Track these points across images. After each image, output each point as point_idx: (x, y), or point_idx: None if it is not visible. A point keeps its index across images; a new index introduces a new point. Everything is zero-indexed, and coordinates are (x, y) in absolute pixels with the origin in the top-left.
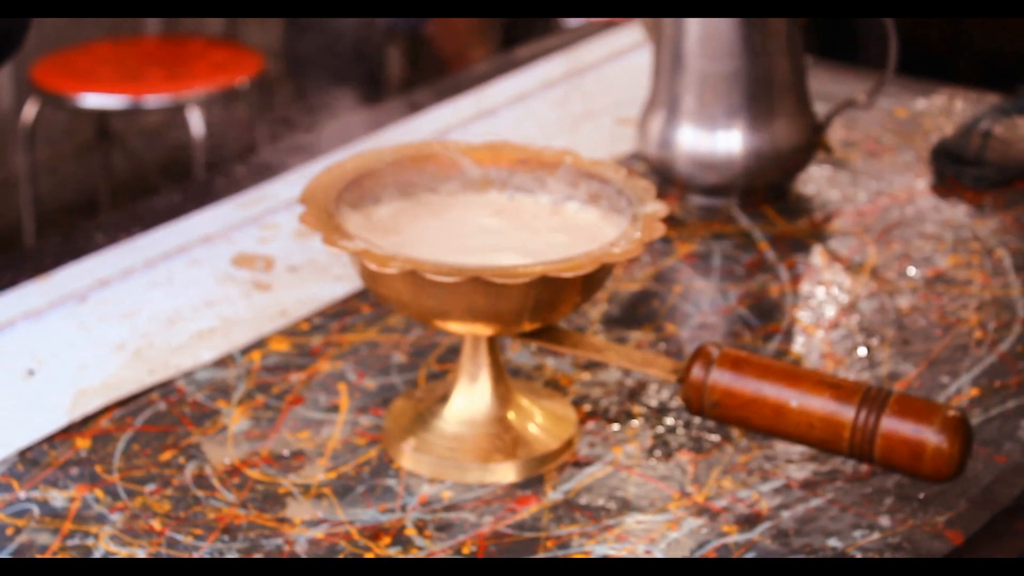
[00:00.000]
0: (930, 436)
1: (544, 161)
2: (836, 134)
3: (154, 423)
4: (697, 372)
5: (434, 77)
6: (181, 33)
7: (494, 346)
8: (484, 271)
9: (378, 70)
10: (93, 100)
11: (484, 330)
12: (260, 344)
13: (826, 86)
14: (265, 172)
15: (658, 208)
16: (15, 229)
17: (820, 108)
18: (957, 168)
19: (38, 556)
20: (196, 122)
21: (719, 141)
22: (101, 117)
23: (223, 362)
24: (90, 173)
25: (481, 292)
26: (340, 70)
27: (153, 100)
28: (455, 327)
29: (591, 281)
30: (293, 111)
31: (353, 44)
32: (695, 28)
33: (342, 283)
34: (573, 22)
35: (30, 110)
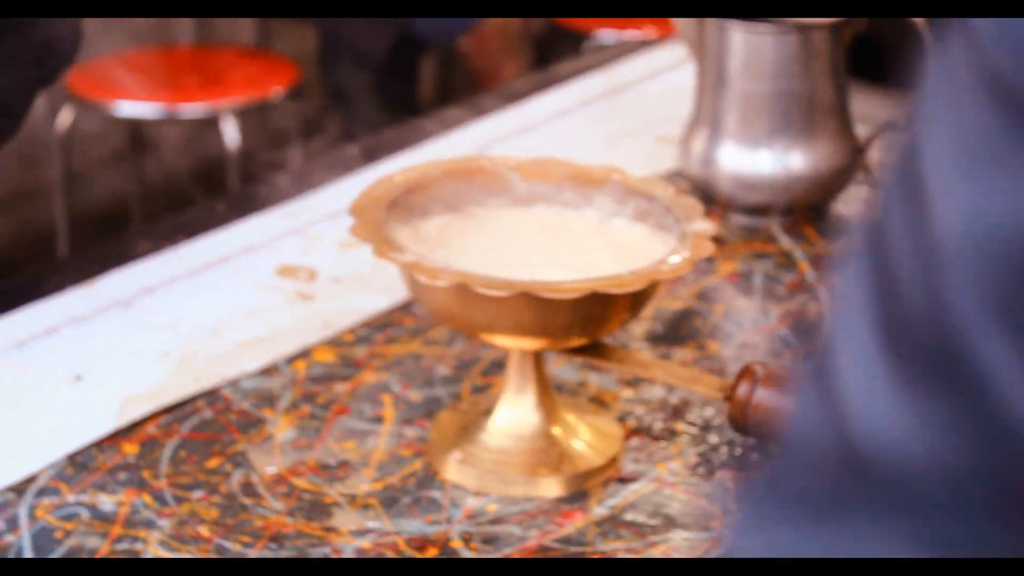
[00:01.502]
0: None
1: (592, 177)
2: (877, 156)
3: (200, 430)
4: (743, 390)
5: (467, 92)
6: (215, 42)
7: (540, 361)
8: (534, 286)
9: (411, 84)
10: (128, 108)
11: (531, 344)
12: (305, 354)
13: (866, 108)
14: (307, 183)
15: (706, 227)
16: (49, 236)
17: (861, 130)
18: None
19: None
20: (231, 132)
21: (761, 160)
22: (134, 125)
23: (268, 371)
24: (123, 181)
25: (530, 307)
26: (373, 82)
27: (188, 109)
28: (503, 341)
29: (639, 298)
30: (327, 123)
31: (386, 56)
32: (739, 48)
33: (385, 295)
34: (607, 39)
35: (65, 118)
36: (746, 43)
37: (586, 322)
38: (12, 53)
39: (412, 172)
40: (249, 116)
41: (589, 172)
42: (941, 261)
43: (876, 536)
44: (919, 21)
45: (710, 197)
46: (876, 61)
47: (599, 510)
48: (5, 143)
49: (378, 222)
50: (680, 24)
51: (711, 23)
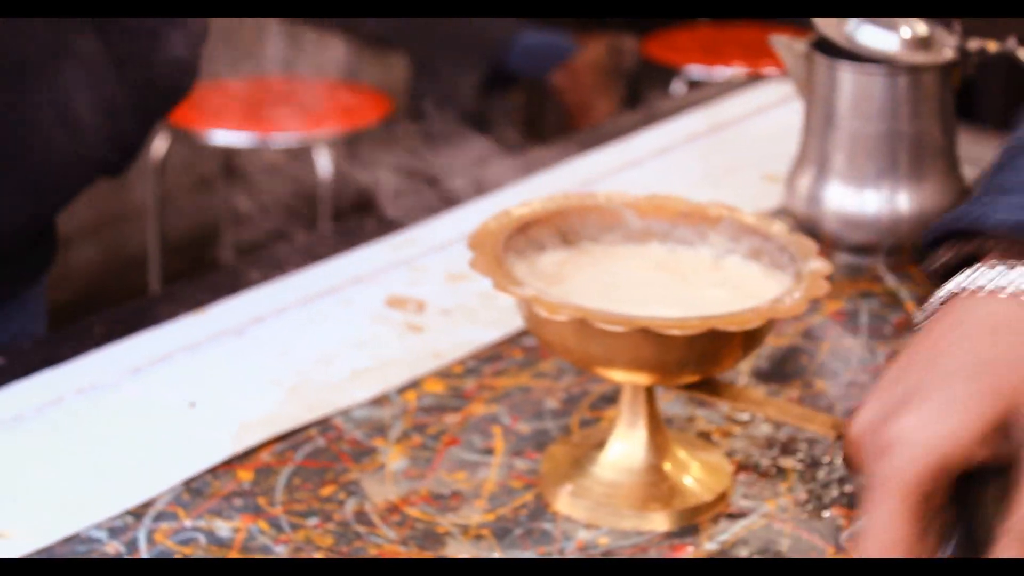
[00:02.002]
0: None
1: (706, 215)
2: None
3: (314, 458)
4: None
5: (558, 127)
6: (306, 72)
7: (652, 396)
8: (652, 322)
9: (502, 118)
10: (221, 137)
11: (645, 379)
12: (415, 385)
13: (973, 150)
14: (413, 215)
15: (821, 266)
16: (139, 262)
17: (968, 172)
18: None
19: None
20: (323, 162)
21: (868, 200)
22: (226, 153)
23: (379, 401)
24: (213, 208)
25: (647, 342)
26: (463, 116)
27: (281, 139)
28: (618, 375)
29: (754, 336)
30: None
31: (476, 90)
32: (848, 87)
33: (494, 328)
34: (697, 74)
35: (160, 145)
36: (855, 83)
37: (701, 359)
38: (138, 83)
39: (528, 207)
40: (340, 146)
41: (703, 209)
42: None
43: None
44: None
45: (815, 235)
46: (984, 104)
47: (709, 545)
48: (120, 175)
49: (496, 256)
50: (788, 62)
51: (820, 62)
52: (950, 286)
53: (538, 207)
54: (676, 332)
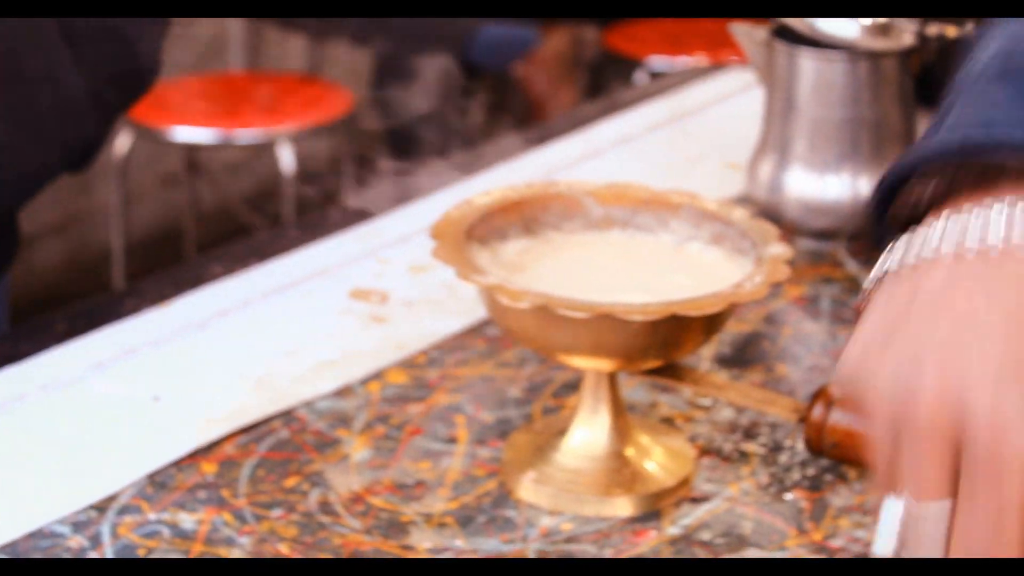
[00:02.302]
0: None
1: (667, 202)
2: None
3: (278, 450)
4: (818, 412)
5: (521, 118)
6: (265, 68)
7: (614, 382)
8: (614, 308)
9: (464, 110)
10: (185, 133)
11: (608, 366)
12: (378, 376)
13: None
14: (375, 208)
15: (782, 251)
16: (103, 259)
17: None
18: None
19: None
20: (287, 157)
21: (829, 186)
22: (189, 151)
23: (343, 393)
24: (178, 204)
25: (609, 328)
26: (426, 109)
27: (244, 135)
28: (580, 362)
29: (715, 321)
30: (383, 149)
31: (438, 83)
32: (808, 74)
33: (456, 318)
34: (659, 66)
35: (123, 142)
36: (815, 69)
37: (663, 344)
38: (97, 80)
39: (490, 196)
40: (303, 141)
41: (665, 196)
42: None
43: None
44: None
45: (777, 222)
46: (942, 90)
47: (672, 529)
48: (82, 171)
49: (459, 245)
50: (749, 50)
51: (780, 49)
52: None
53: (500, 196)
54: (638, 318)
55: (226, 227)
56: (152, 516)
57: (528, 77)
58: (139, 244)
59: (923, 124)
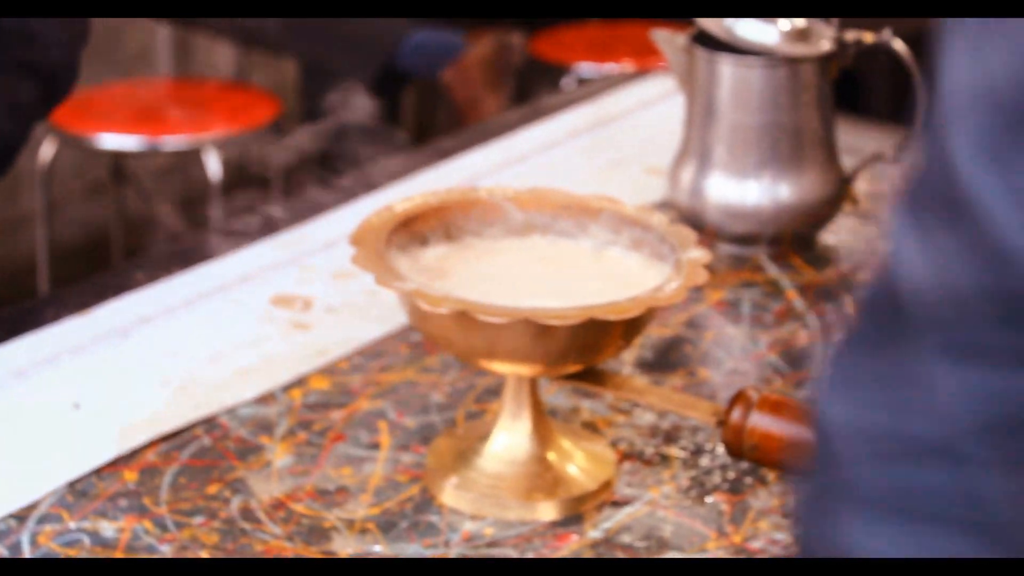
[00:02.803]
0: None
1: (587, 207)
2: (863, 187)
3: (199, 457)
4: (737, 415)
5: (449, 125)
6: (194, 75)
7: (535, 387)
8: (533, 313)
9: (393, 116)
10: (110, 141)
11: (529, 371)
12: (301, 382)
13: (849, 140)
14: (300, 215)
15: (700, 255)
16: (29, 268)
17: (846, 161)
18: None
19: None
20: (213, 164)
21: (749, 191)
22: (115, 158)
23: (265, 399)
24: (104, 212)
25: (529, 333)
26: (353, 115)
27: (170, 142)
28: (501, 367)
29: (635, 325)
30: (309, 156)
31: (368, 89)
32: (727, 79)
33: (379, 324)
34: (587, 72)
35: (47, 150)
36: (734, 75)
37: (582, 349)
38: (12, 84)
39: (410, 202)
40: (231, 148)
41: (584, 202)
42: (947, 114)
43: (917, 352)
44: (905, 54)
45: (698, 227)
46: (862, 94)
47: (593, 533)
48: (0, 176)
49: (378, 251)
50: (669, 56)
51: (700, 55)
52: None
53: (420, 202)
54: (556, 323)
55: (153, 234)
56: (72, 525)
57: (455, 83)
58: (65, 252)
59: (846, 130)
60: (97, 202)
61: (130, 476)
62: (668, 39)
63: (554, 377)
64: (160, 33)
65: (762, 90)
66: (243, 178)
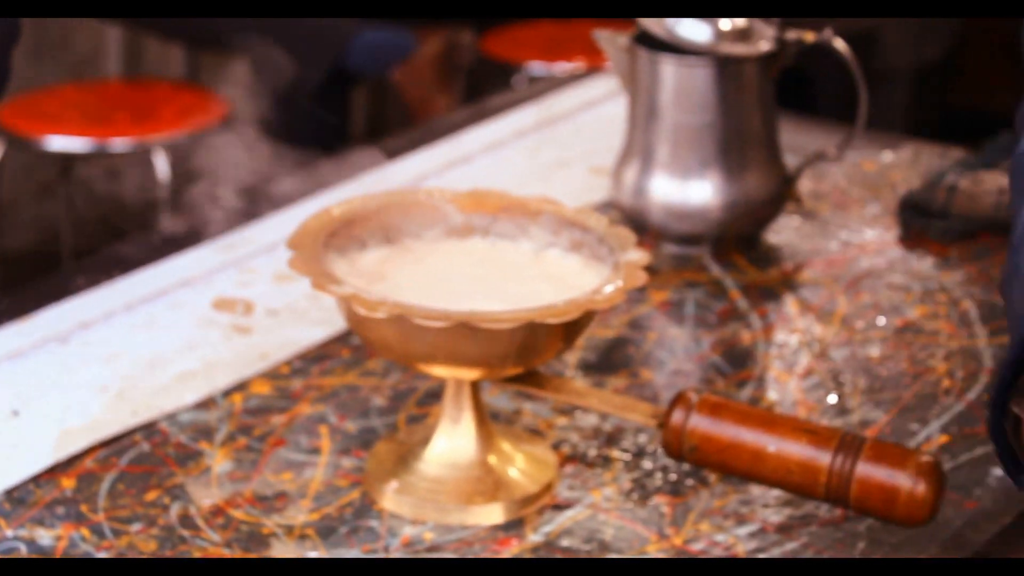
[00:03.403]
0: (904, 481)
1: (527, 209)
2: (806, 186)
3: (138, 463)
4: (677, 417)
5: (399, 124)
6: (146, 76)
7: (476, 390)
8: (471, 316)
9: (343, 116)
10: (59, 143)
11: (468, 374)
12: (241, 387)
13: (793, 139)
14: (242, 217)
15: (639, 256)
16: None
17: (790, 160)
18: (924, 221)
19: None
20: (162, 166)
21: (692, 191)
22: (64, 159)
23: (205, 404)
24: (53, 215)
25: (467, 337)
26: (305, 115)
27: (119, 143)
28: (440, 371)
29: (574, 327)
30: (258, 156)
31: (318, 89)
32: (669, 79)
33: (321, 327)
34: (538, 71)
35: None
36: (676, 75)
37: (522, 352)
38: None
39: (349, 205)
40: (179, 150)
41: (524, 203)
42: None
43: None
44: (846, 54)
45: (642, 227)
46: (813, 94)
47: (534, 537)
48: None
49: (316, 255)
50: (612, 56)
51: (642, 55)
52: None
53: (358, 205)
54: (494, 326)
55: (102, 237)
56: (9, 532)
57: (405, 83)
58: (16, 256)
59: (784, 128)
60: (46, 204)
61: (68, 483)
62: (610, 39)
63: (494, 380)
64: (110, 34)
65: (704, 90)
66: (193, 179)
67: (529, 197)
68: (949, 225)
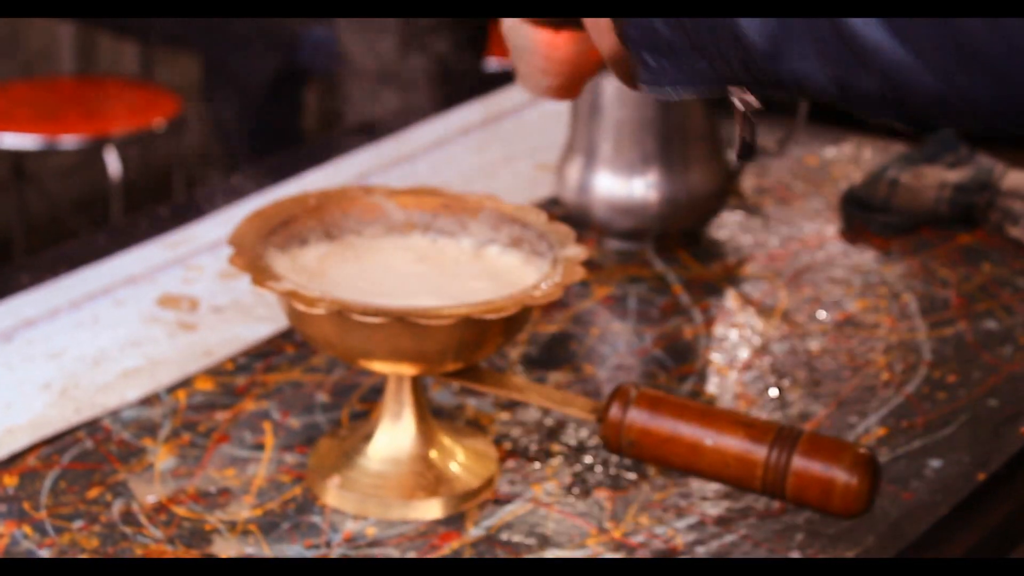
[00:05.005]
0: (839, 474)
1: (466, 205)
2: (748, 181)
3: (81, 461)
4: (615, 412)
5: (348, 123)
6: (97, 73)
7: (417, 386)
8: (409, 312)
9: (294, 113)
10: (9, 140)
11: (408, 370)
12: (186, 383)
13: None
14: (188, 214)
15: (578, 252)
16: None
17: (732, 155)
18: (865, 215)
19: None
20: (113, 163)
21: (635, 187)
22: (16, 157)
23: (149, 401)
24: (3, 213)
25: (406, 333)
26: (255, 111)
27: (70, 140)
28: (380, 367)
29: (513, 323)
30: (210, 153)
31: (269, 86)
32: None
33: (266, 324)
34: (491, 66)
35: None
36: None
37: (461, 347)
38: None
39: (289, 202)
40: (131, 147)
41: (464, 200)
42: None
43: None
44: None
45: (585, 223)
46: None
47: (475, 531)
48: None
49: (256, 252)
50: None
51: None
52: None
53: (298, 202)
54: (432, 322)
55: (55, 234)
56: None
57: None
58: None
59: (726, 124)
60: (0, 202)
61: (10, 481)
62: None
63: (435, 376)
64: (63, 31)
65: None
66: (145, 176)
67: (469, 194)
68: (890, 219)
